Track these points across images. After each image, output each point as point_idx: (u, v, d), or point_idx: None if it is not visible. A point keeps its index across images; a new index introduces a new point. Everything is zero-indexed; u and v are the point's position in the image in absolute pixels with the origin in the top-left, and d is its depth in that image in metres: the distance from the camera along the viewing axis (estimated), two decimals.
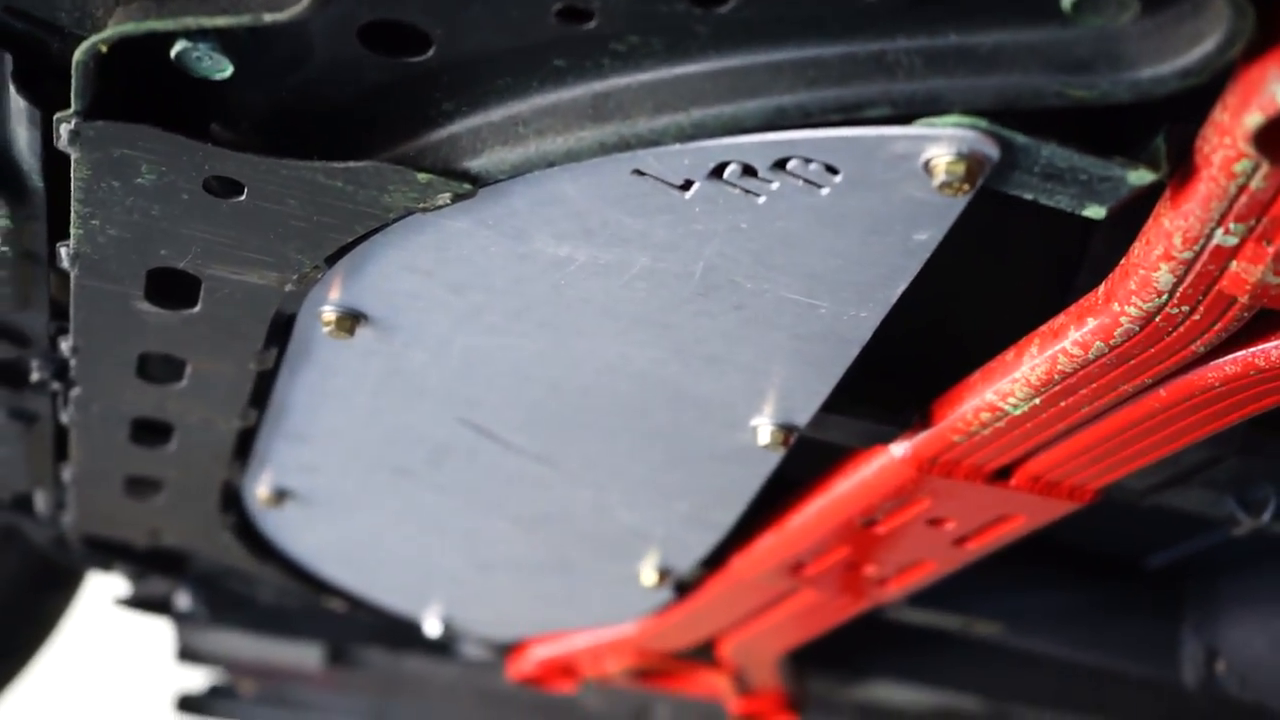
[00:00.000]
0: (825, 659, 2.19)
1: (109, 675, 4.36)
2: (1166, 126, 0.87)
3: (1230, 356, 1.05)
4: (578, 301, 1.09)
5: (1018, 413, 1.14)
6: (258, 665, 2.71)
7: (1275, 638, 1.82)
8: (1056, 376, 1.07)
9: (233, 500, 1.63)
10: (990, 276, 1.30)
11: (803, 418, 1.22)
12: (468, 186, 0.94)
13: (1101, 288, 1.00)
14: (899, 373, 1.26)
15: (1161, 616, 1.93)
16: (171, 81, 0.91)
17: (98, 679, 4.33)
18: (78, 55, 0.87)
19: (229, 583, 2.15)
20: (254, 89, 0.93)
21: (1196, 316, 0.97)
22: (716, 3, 0.80)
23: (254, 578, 2.04)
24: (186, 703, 2.84)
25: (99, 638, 3.87)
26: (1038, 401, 1.12)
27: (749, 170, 0.90)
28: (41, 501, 1.77)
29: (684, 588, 1.72)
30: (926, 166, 0.86)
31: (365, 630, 2.48)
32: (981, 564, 1.91)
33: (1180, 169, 0.86)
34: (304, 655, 2.62)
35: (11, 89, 0.95)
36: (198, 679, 2.86)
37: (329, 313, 1.15)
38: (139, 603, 2.31)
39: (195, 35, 0.86)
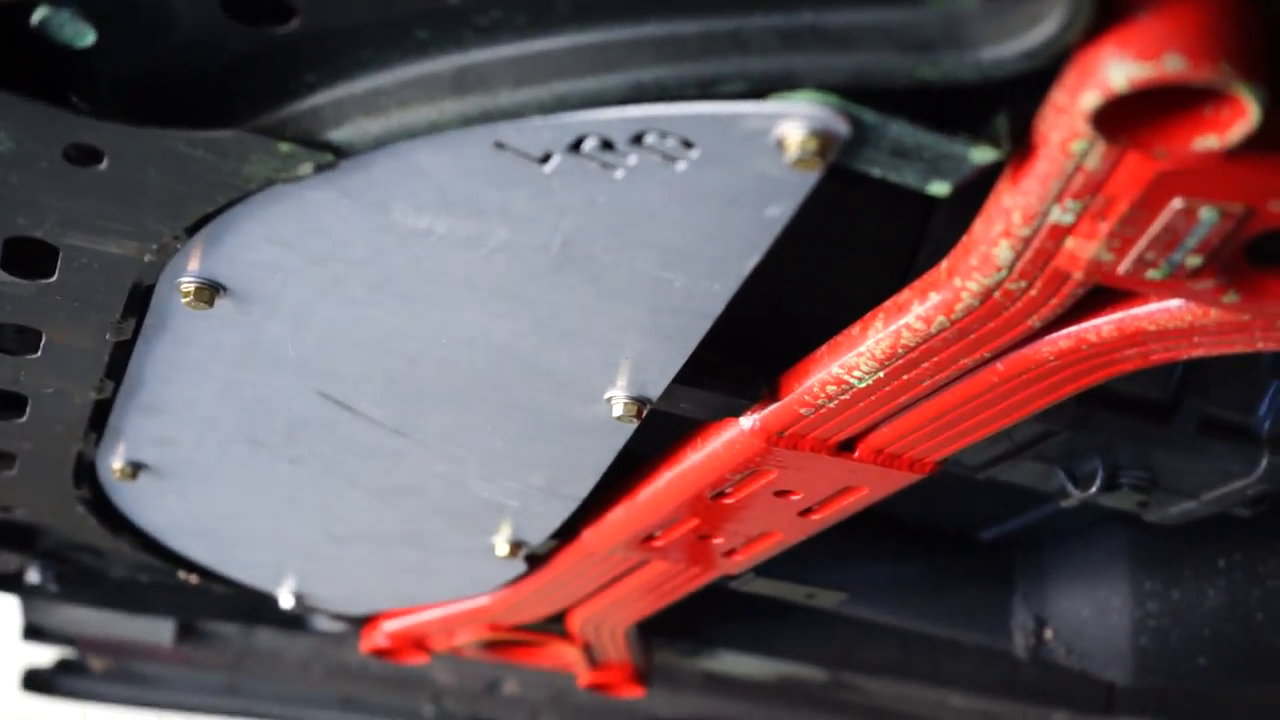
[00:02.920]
0: (671, 631, 2.21)
1: None
2: (1007, 106, 0.88)
3: (1064, 332, 1.07)
4: (437, 274, 1.08)
5: (862, 386, 1.16)
6: (108, 641, 2.65)
7: (1099, 606, 1.86)
8: (900, 350, 1.09)
9: (86, 474, 1.59)
10: (835, 255, 1.32)
11: (655, 390, 1.22)
12: (329, 157, 0.93)
13: (944, 263, 1.01)
14: (747, 348, 1.27)
15: (993, 587, 1.97)
16: (31, 48, 0.88)
17: None
18: None
19: (81, 558, 2.10)
20: (116, 57, 0.90)
21: (1033, 292, 0.99)
22: None
23: (106, 552, 2.00)
24: (32, 680, 2.77)
25: None
26: (881, 375, 1.14)
27: (607, 144, 0.90)
28: None
29: (536, 560, 1.72)
30: (779, 142, 0.87)
31: (217, 605, 2.45)
32: (821, 536, 1.94)
33: (1020, 148, 0.88)
34: (156, 630, 2.58)
35: None
36: (45, 656, 2.80)
37: (188, 283, 1.13)
38: None
39: (58, 1, 0.84)
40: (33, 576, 2.15)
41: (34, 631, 2.64)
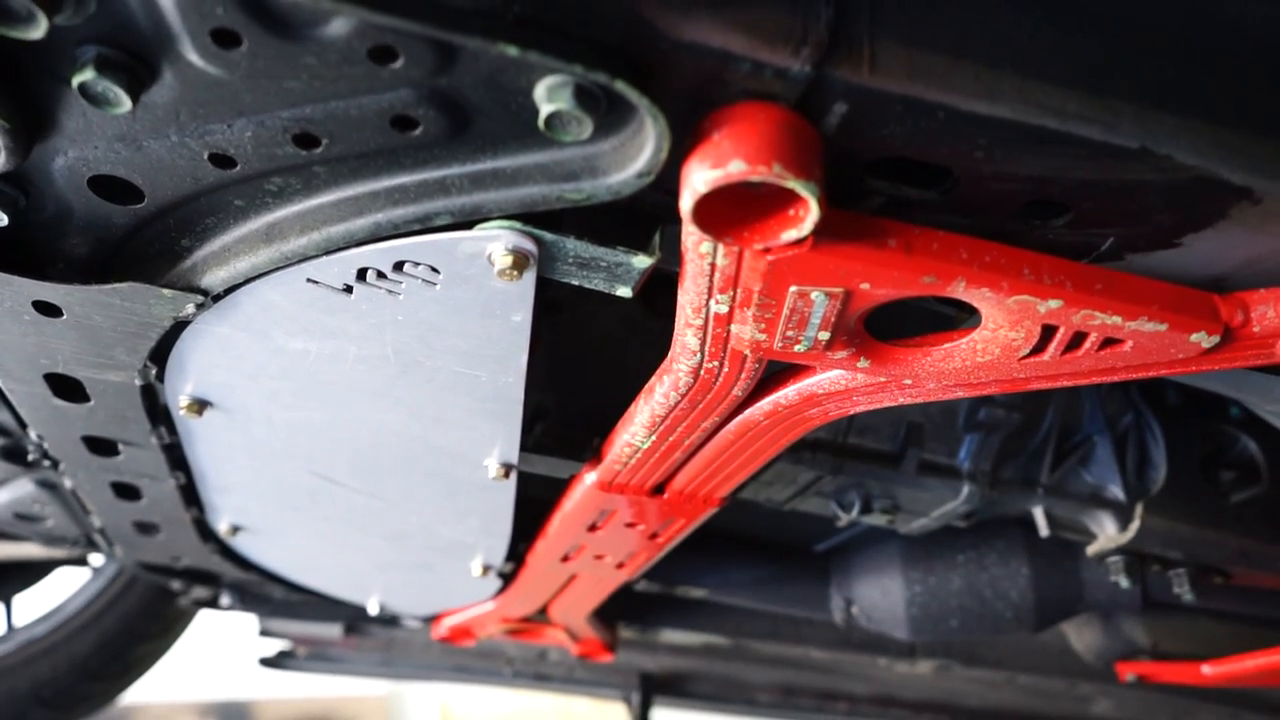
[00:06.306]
0: (628, 617, 1.95)
1: None
2: (664, 225, 0.67)
3: (767, 400, 0.84)
4: (329, 382, 0.87)
5: (645, 446, 0.93)
6: (302, 637, 2.43)
7: (884, 590, 1.60)
8: (658, 418, 0.86)
9: (209, 534, 1.38)
10: (634, 357, 1.09)
11: (513, 457, 1.00)
12: (200, 298, 0.73)
13: (669, 354, 0.79)
14: (584, 423, 1.05)
15: (816, 580, 1.71)
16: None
17: None
18: None
19: (252, 586, 1.88)
20: (56, 238, 0.71)
21: (726, 369, 0.76)
22: (312, 145, 0.60)
23: (261, 582, 1.77)
24: (266, 661, 2.56)
25: None
26: (654, 438, 0.91)
27: (381, 274, 0.70)
28: (100, 540, 1.50)
29: (506, 577, 1.48)
30: (490, 259, 0.66)
31: (364, 611, 2.21)
32: (706, 550, 1.69)
33: (679, 257, 0.66)
34: (329, 630, 2.35)
35: None
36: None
37: (183, 400, 0.93)
38: (200, 603, 2.03)
39: None
40: (225, 601, 1.92)
41: (265, 632, 2.43)
